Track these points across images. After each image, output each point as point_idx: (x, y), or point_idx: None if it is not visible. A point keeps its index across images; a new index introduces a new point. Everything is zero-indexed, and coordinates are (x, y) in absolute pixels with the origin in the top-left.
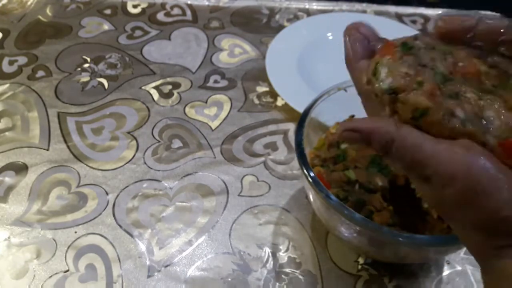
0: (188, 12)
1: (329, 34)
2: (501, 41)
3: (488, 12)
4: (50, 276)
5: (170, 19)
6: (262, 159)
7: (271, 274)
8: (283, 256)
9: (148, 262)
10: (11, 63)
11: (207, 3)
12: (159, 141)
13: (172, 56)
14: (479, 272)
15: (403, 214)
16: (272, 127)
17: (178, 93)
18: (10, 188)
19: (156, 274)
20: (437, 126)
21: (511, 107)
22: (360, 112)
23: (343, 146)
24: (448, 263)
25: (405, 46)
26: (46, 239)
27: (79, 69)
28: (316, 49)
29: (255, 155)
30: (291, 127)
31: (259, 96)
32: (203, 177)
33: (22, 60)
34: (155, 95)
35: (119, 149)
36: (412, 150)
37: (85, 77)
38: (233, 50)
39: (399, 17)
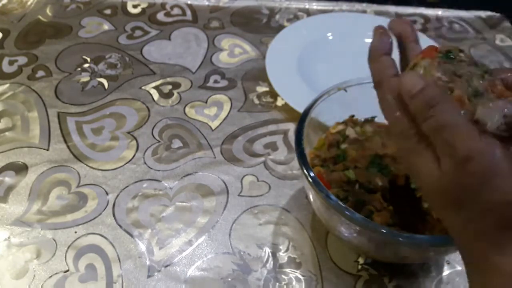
0: (188, 12)
1: (329, 34)
2: None
3: None
4: (50, 276)
5: (170, 19)
6: (262, 159)
7: (271, 274)
8: (283, 256)
9: (148, 262)
10: (11, 63)
11: (207, 3)
12: (159, 141)
13: (172, 56)
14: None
15: (403, 214)
16: (272, 127)
17: (178, 93)
18: (10, 188)
19: (156, 274)
20: None
21: None
22: (360, 112)
23: (343, 146)
24: (448, 263)
25: (448, 54)
26: (46, 239)
27: (79, 69)
28: (316, 49)
29: (255, 155)
30: (291, 127)
31: (259, 96)
32: (203, 177)
33: (22, 60)
34: (155, 95)
35: (119, 149)
36: (452, 115)
37: (85, 77)
38: (233, 50)
39: (399, 17)
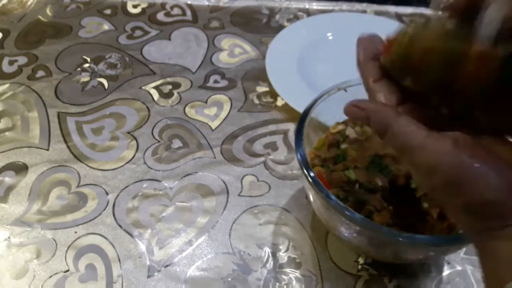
0: (188, 12)
1: (329, 34)
2: None
3: None
4: (50, 276)
5: (170, 19)
6: (262, 159)
7: (271, 274)
8: (283, 256)
9: (148, 262)
10: (11, 63)
11: (207, 3)
12: (159, 141)
13: (172, 56)
14: (479, 272)
15: (403, 214)
16: (272, 127)
17: (178, 93)
18: (10, 188)
19: (156, 274)
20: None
21: None
22: None
23: (343, 146)
24: (448, 263)
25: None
26: (46, 239)
27: (79, 69)
28: (316, 49)
29: (255, 155)
30: (291, 127)
31: (259, 96)
32: (203, 177)
33: (22, 60)
34: (155, 95)
35: (119, 149)
36: (404, 137)
37: (85, 77)
38: (233, 50)
39: (399, 17)
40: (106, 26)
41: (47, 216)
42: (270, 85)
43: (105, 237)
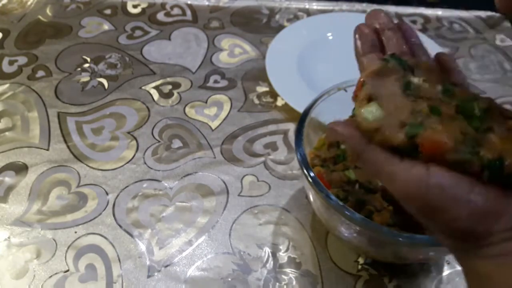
0: (188, 12)
1: (329, 34)
2: None
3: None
4: (50, 276)
5: (170, 19)
6: (262, 159)
7: (271, 274)
8: (283, 256)
9: (148, 262)
10: (11, 63)
11: (207, 3)
12: (159, 141)
13: (172, 56)
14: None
15: (403, 214)
16: (272, 127)
17: (178, 93)
18: (10, 188)
19: (156, 274)
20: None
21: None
22: None
23: (343, 146)
24: (448, 263)
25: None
26: (46, 239)
27: (79, 69)
28: (316, 49)
29: (255, 155)
30: (291, 127)
31: (259, 96)
32: (203, 177)
33: (22, 60)
34: (155, 95)
35: (119, 149)
36: (375, 166)
37: (85, 77)
38: (233, 50)
39: (399, 17)
40: (106, 26)
41: (47, 216)
42: (270, 85)
43: (105, 237)
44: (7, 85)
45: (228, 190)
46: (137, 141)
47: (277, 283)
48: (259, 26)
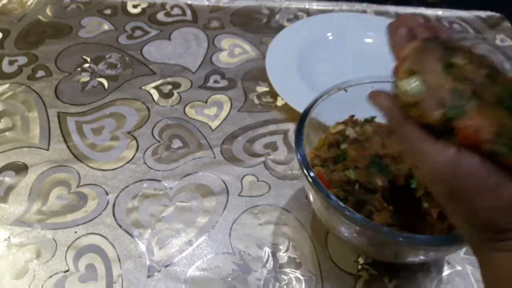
0: (188, 12)
1: (329, 34)
2: None
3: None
4: (50, 276)
5: (170, 19)
6: (262, 159)
7: (271, 274)
8: (283, 256)
9: (148, 262)
10: (11, 63)
11: (207, 3)
12: (159, 141)
13: (172, 56)
14: (479, 272)
15: (403, 214)
16: (272, 127)
17: (178, 93)
18: (10, 188)
19: (156, 274)
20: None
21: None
22: (360, 112)
23: (343, 146)
24: (448, 263)
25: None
26: (46, 239)
27: (79, 69)
28: (316, 49)
29: (255, 155)
30: (291, 127)
31: (259, 96)
32: (203, 177)
33: (22, 60)
34: (155, 95)
35: (119, 149)
36: (408, 142)
37: (85, 77)
38: (233, 50)
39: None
40: (106, 26)
41: (47, 216)
42: (270, 85)
43: (105, 237)
44: (7, 85)
45: (228, 190)
46: (137, 141)
47: (277, 283)
48: (259, 26)
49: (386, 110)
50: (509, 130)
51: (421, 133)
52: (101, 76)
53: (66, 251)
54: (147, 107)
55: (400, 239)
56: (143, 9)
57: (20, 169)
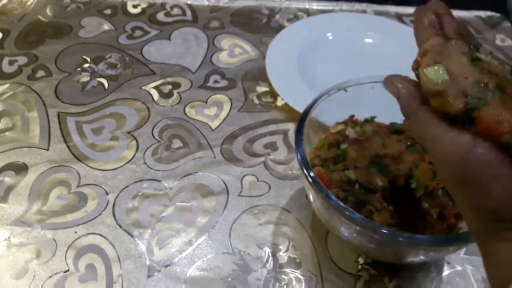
0: (188, 12)
1: (329, 34)
2: None
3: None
4: (50, 276)
5: (170, 19)
6: (262, 159)
7: (271, 274)
8: (283, 256)
9: (148, 262)
10: (11, 63)
11: (207, 3)
12: (159, 141)
13: (172, 56)
14: (479, 272)
15: (403, 214)
16: (272, 127)
17: (178, 93)
18: (10, 188)
19: (156, 274)
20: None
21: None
22: (360, 112)
23: (343, 146)
24: (448, 263)
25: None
26: (46, 239)
27: (79, 69)
28: (316, 49)
29: (255, 155)
30: (291, 127)
31: (259, 96)
32: (203, 177)
33: (22, 60)
34: (155, 95)
35: (119, 149)
36: (422, 127)
37: (85, 77)
38: (233, 50)
39: (399, 17)
40: (106, 26)
41: (47, 216)
42: (270, 85)
43: (105, 237)
44: (7, 85)
45: (228, 190)
46: (137, 141)
47: (277, 283)
48: (259, 26)
49: (402, 94)
50: None
51: (436, 119)
52: (101, 76)
53: (66, 251)
54: (147, 107)
55: (400, 239)
56: (143, 9)
57: (20, 169)
